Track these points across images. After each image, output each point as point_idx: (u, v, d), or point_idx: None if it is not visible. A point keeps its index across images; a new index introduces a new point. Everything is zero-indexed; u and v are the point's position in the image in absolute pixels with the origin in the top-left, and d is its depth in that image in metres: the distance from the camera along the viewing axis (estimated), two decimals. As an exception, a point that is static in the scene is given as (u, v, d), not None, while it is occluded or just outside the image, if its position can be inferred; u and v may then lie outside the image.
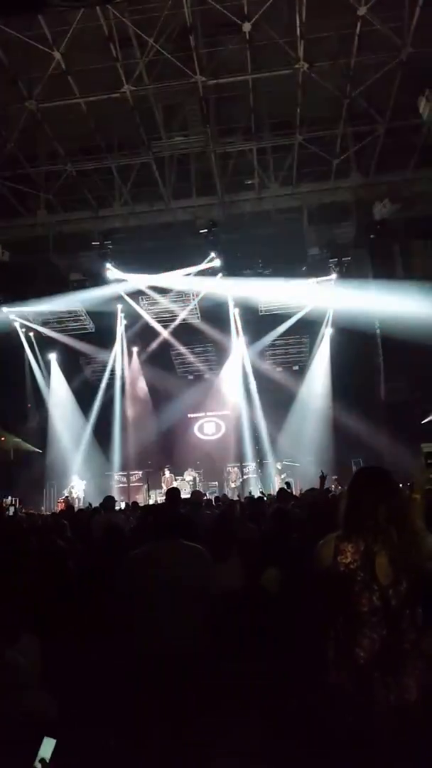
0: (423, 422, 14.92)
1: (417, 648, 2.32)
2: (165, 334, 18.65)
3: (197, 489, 15.73)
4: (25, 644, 3.03)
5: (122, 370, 19.39)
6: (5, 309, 17.11)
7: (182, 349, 19.29)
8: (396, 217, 14.50)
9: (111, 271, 15.89)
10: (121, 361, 19.14)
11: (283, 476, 17.15)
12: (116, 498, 10.84)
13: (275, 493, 10.84)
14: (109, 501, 8.01)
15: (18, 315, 17.68)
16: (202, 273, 16.21)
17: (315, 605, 2.62)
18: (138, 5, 10.52)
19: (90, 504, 12.16)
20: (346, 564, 2.42)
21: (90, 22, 10.58)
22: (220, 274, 16.34)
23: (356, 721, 2.31)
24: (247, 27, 10.63)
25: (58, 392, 19.13)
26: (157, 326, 18.58)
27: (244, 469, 18.87)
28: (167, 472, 17.86)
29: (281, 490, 8.21)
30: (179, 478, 17.78)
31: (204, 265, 15.97)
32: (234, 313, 18.29)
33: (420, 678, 2.29)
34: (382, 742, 2.29)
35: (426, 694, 2.28)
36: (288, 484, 12.58)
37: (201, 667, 2.99)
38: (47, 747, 1.69)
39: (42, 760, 1.71)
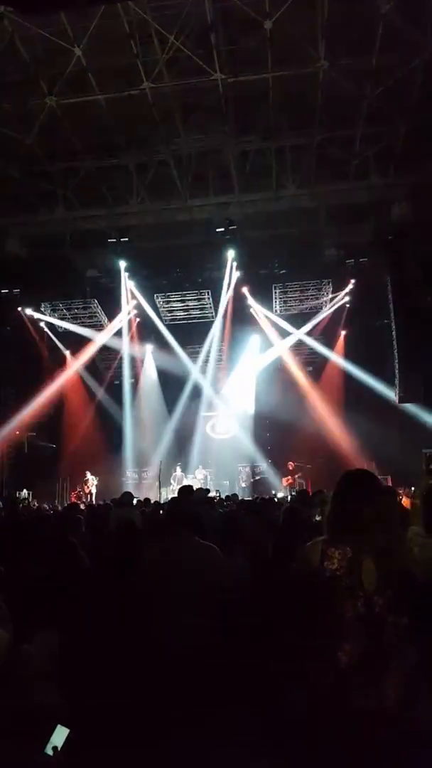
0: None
1: (398, 657, 2.27)
2: (178, 331, 18.70)
3: (200, 487, 15.72)
4: (40, 637, 3.04)
5: (135, 366, 19.48)
6: (22, 305, 17.28)
7: (196, 347, 19.29)
8: (414, 218, 14.38)
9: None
10: (134, 358, 19.22)
11: (297, 476, 17.10)
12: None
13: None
14: (127, 496, 8.12)
15: (34, 309, 17.86)
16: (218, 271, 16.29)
17: (297, 607, 2.58)
18: (159, 2, 10.53)
19: (104, 501, 12.20)
20: (332, 570, 2.38)
21: (111, 19, 10.60)
22: (236, 273, 16.35)
23: (332, 726, 2.27)
24: (268, 25, 10.55)
25: (72, 387, 19.26)
26: (171, 323, 18.64)
27: (256, 469, 18.86)
28: (178, 470, 17.88)
29: (301, 491, 8.25)
30: (190, 476, 17.80)
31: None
32: (250, 312, 18.30)
33: (399, 688, 2.25)
34: (357, 749, 2.24)
35: (403, 704, 2.24)
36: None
37: (214, 662, 2.99)
38: (60, 735, 1.71)
39: (54, 748, 1.73)
